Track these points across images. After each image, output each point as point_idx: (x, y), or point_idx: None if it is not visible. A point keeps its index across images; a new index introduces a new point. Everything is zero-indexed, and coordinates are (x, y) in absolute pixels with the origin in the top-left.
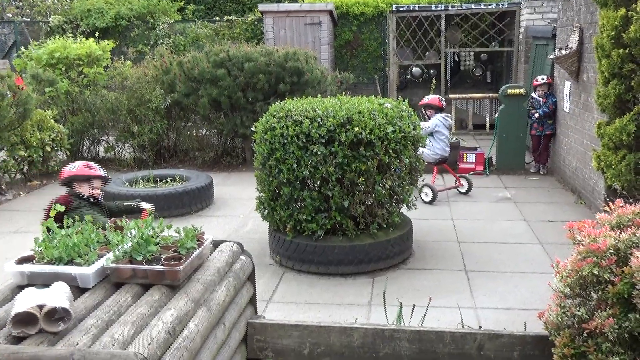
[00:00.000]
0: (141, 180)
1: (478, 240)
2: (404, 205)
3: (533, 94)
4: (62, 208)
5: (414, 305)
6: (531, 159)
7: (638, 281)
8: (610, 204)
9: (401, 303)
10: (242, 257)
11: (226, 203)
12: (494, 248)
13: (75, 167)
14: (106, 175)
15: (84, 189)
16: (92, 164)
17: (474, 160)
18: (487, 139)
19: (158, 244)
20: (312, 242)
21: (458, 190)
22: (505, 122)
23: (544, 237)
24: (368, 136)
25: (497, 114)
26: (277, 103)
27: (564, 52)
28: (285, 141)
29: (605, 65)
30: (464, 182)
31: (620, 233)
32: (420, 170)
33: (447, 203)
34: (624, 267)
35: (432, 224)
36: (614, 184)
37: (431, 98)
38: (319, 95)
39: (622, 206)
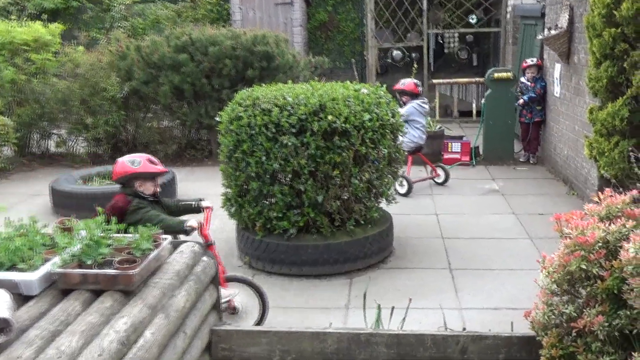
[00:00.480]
0: (96, 177)
1: (463, 235)
2: (383, 199)
3: (522, 78)
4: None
5: (392, 308)
6: (520, 147)
7: (628, 275)
8: (600, 193)
9: (379, 305)
10: (205, 258)
11: None
12: (481, 244)
13: (138, 163)
14: (167, 170)
15: (147, 188)
16: (153, 157)
17: (459, 150)
18: (473, 127)
19: (110, 245)
20: (283, 242)
21: (434, 181)
22: (492, 109)
23: (533, 231)
24: (343, 125)
25: (483, 99)
26: (244, 90)
27: (553, 32)
28: (252, 132)
29: (596, 45)
30: (440, 172)
31: (610, 224)
32: (400, 161)
33: (430, 196)
34: (614, 261)
35: (414, 219)
36: (607, 173)
37: (407, 83)
38: (289, 82)
39: (611, 196)
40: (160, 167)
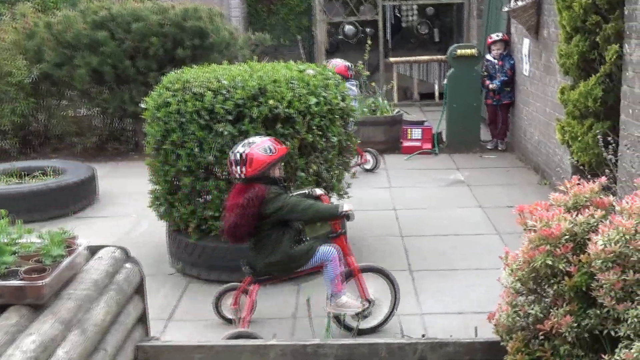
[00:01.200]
0: (1, 175)
1: (425, 232)
2: (334, 193)
3: (487, 55)
4: None
5: (344, 315)
6: (488, 133)
7: (597, 271)
8: (567, 182)
9: (329, 313)
10: (128, 265)
11: (114, 200)
12: (444, 241)
13: (272, 149)
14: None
15: (277, 172)
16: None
17: (420, 137)
18: (436, 111)
19: (15, 253)
20: (222, 244)
21: (362, 168)
22: (455, 90)
23: (502, 226)
24: (286, 110)
25: (445, 80)
26: (173, 72)
27: (520, 3)
28: (183, 119)
29: (566, 18)
30: (369, 157)
31: (577, 215)
32: (352, 150)
33: (388, 189)
34: (582, 255)
35: (370, 215)
36: (581, 159)
37: (337, 65)
38: (225, 62)
39: (578, 184)
40: (285, 147)
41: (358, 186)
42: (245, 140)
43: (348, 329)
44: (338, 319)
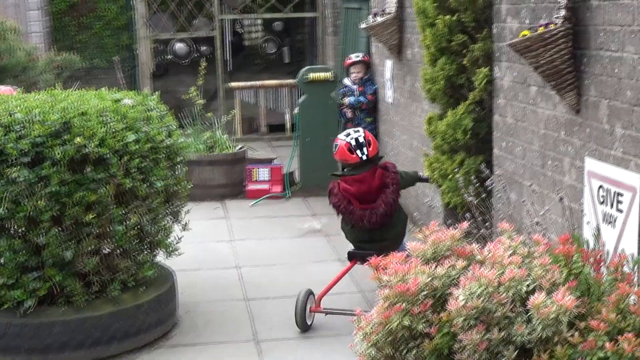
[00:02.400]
0: None
1: (274, 294)
2: (161, 250)
3: (345, 80)
4: None
5: None
6: None
7: (459, 330)
8: (425, 228)
9: None
10: None
11: None
12: None
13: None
14: None
15: None
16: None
17: (268, 179)
18: (288, 146)
19: None
20: (17, 319)
21: None
22: (309, 121)
23: (365, 283)
24: (97, 150)
25: (296, 108)
26: None
27: (379, 19)
28: None
29: (430, 37)
30: None
31: (437, 267)
32: (182, 196)
33: (230, 243)
34: (442, 313)
35: (207, 275)
36: (453, 200)
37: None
38: (20, 90)
39: (437, 230)
40: None
41: (192, 240)
42: (345, 131)
43: None
44: None
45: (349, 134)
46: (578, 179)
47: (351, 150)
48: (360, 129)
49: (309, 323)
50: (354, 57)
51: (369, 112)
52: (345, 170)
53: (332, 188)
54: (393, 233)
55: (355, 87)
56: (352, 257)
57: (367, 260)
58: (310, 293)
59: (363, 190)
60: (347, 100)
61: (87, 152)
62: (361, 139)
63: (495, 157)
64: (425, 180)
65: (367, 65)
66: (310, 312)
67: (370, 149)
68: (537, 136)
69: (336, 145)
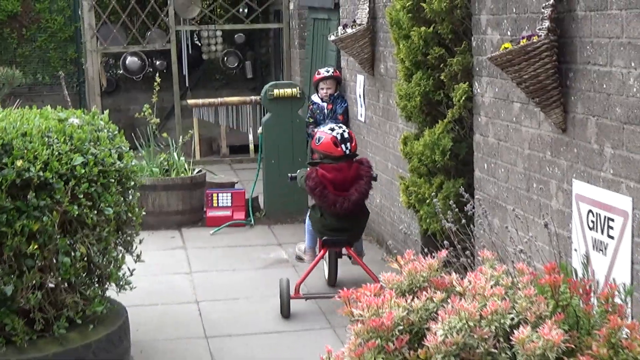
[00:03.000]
0: None
1: (238, 331)
2: (112, 284)
3: (314, 96)
4: None
5: None
6: None
7: None
8: (400, 257)
9: None
10: None
11: None
12: (263, 342)
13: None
14: None
15: None
16: None
17: (229, 204)
18: (252, 169)
19: None
20: None
21: None
22: (274, 141)
23: (335, 318)
24: (41, 174)
25: (260, 128)
26: None
27: (349, 30)
28: None
29: (404, 50)
30: None
31: (413, 299)
32: (135, 224)
33: (189, 275)
34: (419, 350)
35: (163, 310)
36: (430, 227)
37: None
38: None
39: (413, 259)
40: None
41: (147, 272)
42: (328, 126)
43: None
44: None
45: (333, 129)
46: (565, 203)
47: (336, 144)
48: (342, 125)
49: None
50: (324, 72)
51: None
52: (324, 159)
53: (309, 173)
54: (358, 225)
55: (324, 104)
56: (325, 244)
57: (338, 246)
58: (288, 280)
59: (339, 178)
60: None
61: (30, 176)
62: (346, 135)
63: (476, 179)
64: None
65: (337, 80)
66: (290, 299)
67: (352, 144)
68: (521, 157)
69: (320, 137)
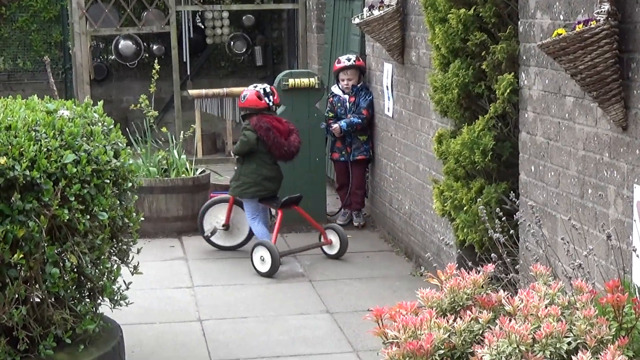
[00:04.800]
0: None
1: (246, 354)
2: (106, 299)
3: (334, 88)
4: None
5: None
6: (337, 201)
7: None
8: (440, 272)
9: None
10: None
11: None
12: None
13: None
14: None
15: None
16: None
17: None
18: None
19: None
20: None
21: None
22: None
23: (360, 341)
24: (27, 173)
25: None
26: None
27: (376, 12)
28: None
29: (440, 35)
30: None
31: (456, 320)
32: (132, 231)
33: (191, 290)
34: None
35: (162, 330)
36: (468, 237)
37: None
38: None
39: (456, 274)
40: None
41: (144, 286)
42: (252, 85)
43: None
44: None
45: (256, 86)
46: (626, 212)
47: (260, 97)
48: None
49: None
50: (345, 60)
51: (362, 129)
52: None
53: (255, 122)
54: (282, 174)
55: (346, 97)
56: (284, 205)
57: (295, 204)
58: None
59: (280, 127)
60: (338, 126)
61: (14, 175)
62: (268, 89)
63: (521, 184)
64: None
65: (360, 70)
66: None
67: (275, 97)
68: (574, 159)
69: (245, 95)
